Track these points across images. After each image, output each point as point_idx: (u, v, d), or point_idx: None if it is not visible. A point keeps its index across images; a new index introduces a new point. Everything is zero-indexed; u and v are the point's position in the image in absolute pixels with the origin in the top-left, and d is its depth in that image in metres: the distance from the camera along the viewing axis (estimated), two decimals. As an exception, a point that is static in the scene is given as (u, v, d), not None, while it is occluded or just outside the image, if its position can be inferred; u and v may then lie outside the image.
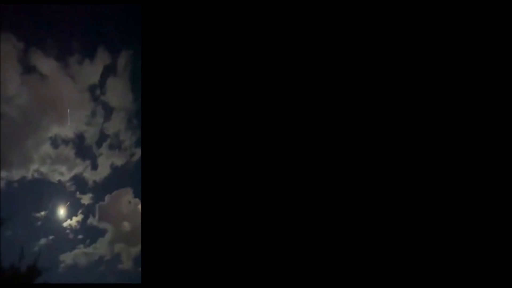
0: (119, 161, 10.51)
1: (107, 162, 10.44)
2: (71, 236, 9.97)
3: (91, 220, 10.20)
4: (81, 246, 9.97)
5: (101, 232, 10.19)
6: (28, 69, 9.46)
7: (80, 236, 10.03)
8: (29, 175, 9.75)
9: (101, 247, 10.08)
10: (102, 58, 10.08)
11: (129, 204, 10.43)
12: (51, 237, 9.71)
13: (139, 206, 10.08)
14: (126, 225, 10.32)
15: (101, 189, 10.40)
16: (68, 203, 10.04)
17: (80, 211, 10.14)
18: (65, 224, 9.93)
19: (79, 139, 10.28)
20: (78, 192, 10.23)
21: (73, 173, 10.21)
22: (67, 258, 9.78)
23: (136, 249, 10.03)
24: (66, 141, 10.15)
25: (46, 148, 9.98)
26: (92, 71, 10.05)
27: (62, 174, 10.12)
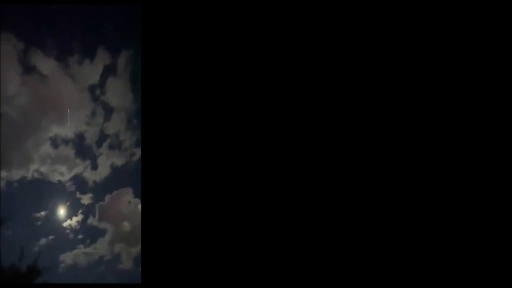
0: (119, 161, 10.52)
1: (107, 162, 10.46)
2: (71, 236, 9.99)
3: (91, 220, 10.22)
4: (81, 246, 9.99)
5: (101, 232, 10.21)
6: (28, 69, 9.49)
7: (80, 236, 10.05)
8: (29, 175, 9.77)
9: (101, 247, 10.10)
10: (102, 58, 10.10)
11: (129, 204, 10.44)
12: (51, 237, 9.73)
13: (139, 206, 10.10)
14: (126, 225, 10.33)
15: (101, 189, 10.42)
16: (68, 203, 10.06)
17: (80, 211, 10.15)
18: (65, 224, 9.95)
19: (79, 139, 10.29)
20: (78, 192, 10.25)
21: (73, 173, 10.23)
22: (67, 258, 9.80)
23: (136, 249, 10.04)
24: (66, 141, 10.17)
25: (46, 148, 10.00)
26: (92, 71, 10.07)
27: (62, 174, 10.14)
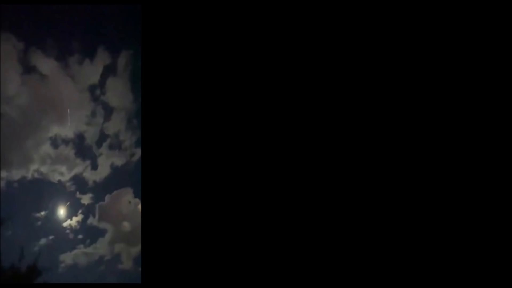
0: (119, 161, 10.52)
1: (107, 162, 10.46)
2: (71, 236, 9.99)
3: (91, 220, 10.22)
4: (81, 246, 9.99)
5: (101, 232, 10.21)
6: (28, 69, 9.49)
7: (80, 236, 10.05)
8: (29, 175, 9.77)
9: (101, 247, 10.10)
10: (102, 58, 10.10)
11: (129, 204, 10.44)
12: (51, 237, 9.73)
13: (139, 206, 10.10)
14: (126, 225, 10.33)
15: (101, 189, 10.43)
16: (68, 203, 10.06)
17: (80, 211, 10.16)
18: (65, 224, 9.95)
19: (79, 139, 10.29)
20: (78, 192, 10.25)
21: (73, 173, 10.23)
22: (67, 258, 9.80)
23: (136, 249, 10.04)
24: (66, 141, 10.17)
25: (46, 148, 10.00)
26: (92, 71, 10.07)
27: (62, 174, 10.14)
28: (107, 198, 10.40)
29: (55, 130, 10.04)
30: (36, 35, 9.48)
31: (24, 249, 7.93)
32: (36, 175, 9.85)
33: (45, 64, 9.61)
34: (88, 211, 10.20)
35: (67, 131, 10.11)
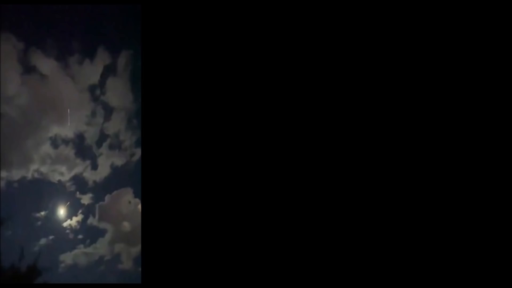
0: (119, 161, 10.52)
1: (107, 162, 10.46)
2: (71, 236, 9.99)
3: (91, 220, 10.22)
4: (81, 246, 9.99)
5: (101, 232, 10.21)
6: (28, 69, 9.49)
7: (80, 236, 10.05)
8: (29, 175, 9.77)
9: (101, 247, 10.10)
10: (102, 58, 10.10)
11: (129, 204, 10.44)
12: (51, 237, 9.73)
13: (139, 206, 10.10)
14: (126, 225, 10.33)
15: (101, 189, 10.42)
16: (68, 203, 10.06)
17: (80, 211, 10.16)
18: (65, 224, 9.95)
19: (79, 139, 10.29)
20: (78, 192, 10.25)
21: (73, 173, 10.23)
22: (67, 258, 9.80)
23: (136, 249, 10.04)
24: (66, 141, 10.17)
25: (46, 148, 10.00)
26: (92, 71, 10.07)
27: (62, 174, 10.14)
28: (107, 198, 10.41)
29: (55, 130, 10.05)
30: (36, 35, 9.49)
31: (24, 249, 7.94)
32: (36, 175, 9.86)
33: (45, 64, 9.62)
34: (88, 211, 10.21)
35: (67, 131, 10.11)
